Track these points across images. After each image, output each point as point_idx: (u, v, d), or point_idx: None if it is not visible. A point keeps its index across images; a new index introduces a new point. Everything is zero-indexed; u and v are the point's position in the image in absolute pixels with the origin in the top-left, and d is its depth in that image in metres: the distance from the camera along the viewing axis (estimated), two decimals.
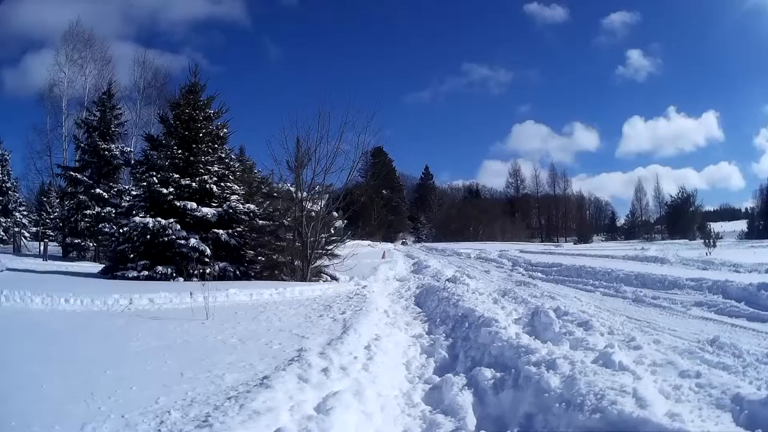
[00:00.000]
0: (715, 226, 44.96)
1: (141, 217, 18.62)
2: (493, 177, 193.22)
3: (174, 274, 17.87)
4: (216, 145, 21.53)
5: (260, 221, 20.70)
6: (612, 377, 5.49)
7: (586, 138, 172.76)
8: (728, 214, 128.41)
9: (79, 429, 4.19)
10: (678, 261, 23.87)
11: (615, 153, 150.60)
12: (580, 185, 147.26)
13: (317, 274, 20.71)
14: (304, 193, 21.08)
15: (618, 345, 7.25)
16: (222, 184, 20.63)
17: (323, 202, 22.19)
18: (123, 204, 25.24)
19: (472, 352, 8.17)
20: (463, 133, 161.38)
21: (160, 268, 17.91)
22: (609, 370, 5.83)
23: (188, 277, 17.44)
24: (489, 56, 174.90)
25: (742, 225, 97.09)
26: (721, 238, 40.10)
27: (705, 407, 5.00)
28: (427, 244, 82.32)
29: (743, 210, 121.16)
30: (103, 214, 31.56)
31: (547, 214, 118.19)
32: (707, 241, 33.04)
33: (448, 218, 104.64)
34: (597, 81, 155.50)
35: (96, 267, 22.94)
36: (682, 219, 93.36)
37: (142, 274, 17.80)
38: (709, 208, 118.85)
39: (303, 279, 19.55)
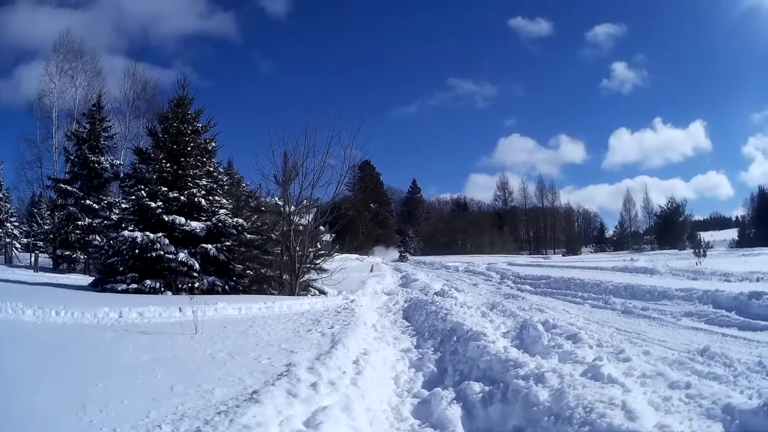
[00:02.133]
0: (706, 236, 45.01)
1: (130, 230, 18.60)
2: (481, 190, 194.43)
3: (163, 288, 17.87)
4: (204, 159, 21.57)
5: (248, 235, 20.65)
6: (601, 390, 5.46)
7: (573, 150, 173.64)
8: (718, 223, 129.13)
9: None
10: (668, 271, 23.86)
11: (602, 165, 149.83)
12: (568, 197, 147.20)
13: (305, 288, 20.68)
14: (292, 207, 21.12)
15: (607, 357, 7.29)
16: (210, 197, 20.68)
17: (311, 216, 22.27)
18: (112, 217, 25.22)
19: (460, 366, 8.13)
20: (450, 146, 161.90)
21: (148, 281, 17.91)
22: (598, 383, 5.82)
23: (177, 291, 17.44)
24: (474, 71, 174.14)
25: (732, 234, 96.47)
26: (712, 247, 39.77)
27: (695, 418, 5.01)
28: (415, 258, 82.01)
29: (734, 218, 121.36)
30: (93, 226, 31.43)
31: (536, 227, 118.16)
32: (697, 250, 32.89)
33: (436, 231, 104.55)
34: (582, 94, 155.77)
35: (86, 279, 22.91)
36: (672, 229, 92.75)
37: (131, 287, 17.76)
38: (699, 217, 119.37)
39: (291, 293, 19.55)
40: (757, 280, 17.45)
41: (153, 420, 4.83)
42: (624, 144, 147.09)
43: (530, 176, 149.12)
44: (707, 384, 6.00)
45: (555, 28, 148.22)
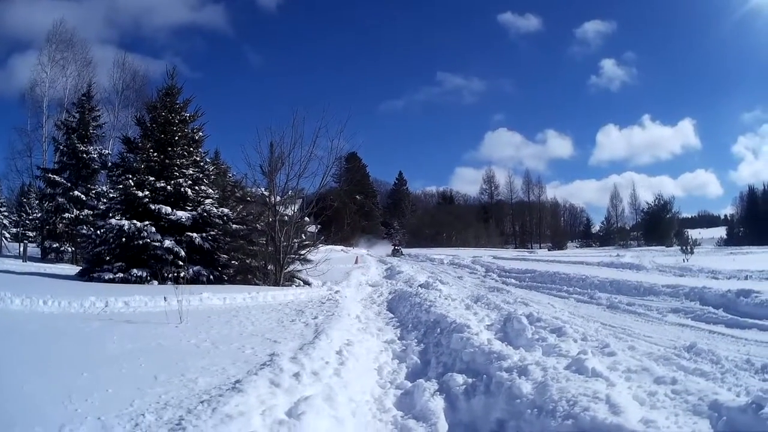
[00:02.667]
0: (693, 233, 45.57)
1: (117, 219, 18.57)
2: (467, 184, 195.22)
3: (148, 277, 17.88)
4: (191, 149, 21.57)
5: (234, 225, 20.68)
6: (585, 383, 5.47)
7: (560, 146, 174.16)
8: (707, 221, 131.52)
9: (58, 430, 4.28)
10: (654, 268, 23.77)
11: (589, 161, 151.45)
12: (555, 192, 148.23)
13: (290, 279, 20.71)
14: (277, 198, 21.14)
15: (591, 351, 7.24)
16: (196, 187, 20.66)
17: (296, 206, 22.34)
18: (100, 206, 25.14)
19: (443, 357, 8.17)
20: (437, 140, 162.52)
21: (135, 270, 17.91)
22: (582, 377, 5.83)
23: (163, 281, 17.43)
24: (463, 66, 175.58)
25: (721, 232, 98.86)
26: (699, 244, 40.14)
27: (681, 414, 4.99)
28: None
29: (722, 217, 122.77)
30: (81, 216, 31.29)
31: (521, 221, 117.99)
32: (684, 247, 33.24)
33: (422, 224, 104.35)
34: (570, 90, 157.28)
35: (74, 269, 22.85)
36: (659, 226, 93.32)
37: (117, 276, 17.78)
38: (686, 215, 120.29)
39: (276, 283, 19.57)
40: (746, 278, 17.42)
41: (137, 408, 4.87)
42: (612, 140, 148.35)
43: (517, 171, 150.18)
44: (694, 380, 5.95)
45: (544, 24, 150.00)
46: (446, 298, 14.15)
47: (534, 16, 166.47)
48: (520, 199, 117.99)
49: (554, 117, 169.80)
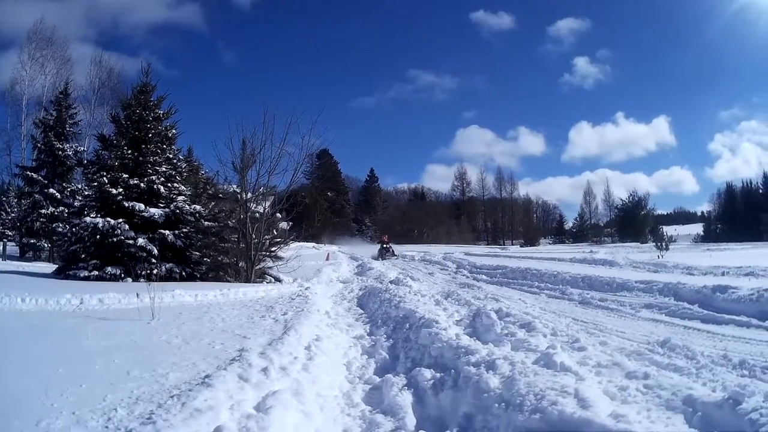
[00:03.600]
0: (669, 230, 45.32)
1: (92, 217, 18.60)
2: (438, 181, 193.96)
3: (122, 275, 17.86)
4: (164, 146, 21.50)
5: (206, 222, 20.69)
6: (553, 378, 5.51)
7: (532, 143, 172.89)
8: (683, 217, 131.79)
9: (35, 424, 4.42)
10: (628, 264, 23.75)
11: (561, 157, 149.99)
12: (527, 189, 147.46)
13: (261, 276, 20.74)
14: (249, 194, 21.15)
15: (561, 346, 7.26)
16: (169, 184, 20.66)
17: (268, 203, 22.39)
18: (75, 204, 25.11)
19: (412, 353, 8.22)
20: (408, 137, 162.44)
21: (109, 268, 17.93)
22: (550, 371, 5.87)
23: (136, 278, 17.38)
24: (435, 63, 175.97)
25: (697, 228, 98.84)
26: (675, 241, 40.08)
27: (654, 408, 4.88)
28: (361, 246, 75.22)
29: (699, 214, 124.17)
30: (56, 214, 31.16)
31: (494, 217, 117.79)
32: (659, 243, 33.04)
33: (393, 221, 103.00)
34: (543, 88, 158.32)
35: (50, 267, 22.71)
36: (634, 222, 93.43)
37: (92, 274, 17.79)
38: (662, 211, 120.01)
39: (247, 280, 19.60)
40: (723, 274, 17.36)
41: (110, 403, 5.00)
42: (585, 137, 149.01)
43: (489, 167, 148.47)
44: (667, 375, 5.93)
45: (517, 22, 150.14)
46: (416, 294, 14.27)
47: (507, 14, 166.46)
48: (492, 195, 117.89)
49: (526, 114, 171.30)
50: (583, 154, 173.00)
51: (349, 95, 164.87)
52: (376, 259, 42.07)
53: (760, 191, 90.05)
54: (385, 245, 46.46)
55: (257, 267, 20.52)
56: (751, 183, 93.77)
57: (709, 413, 4.58)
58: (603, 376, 5.99)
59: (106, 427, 4.47)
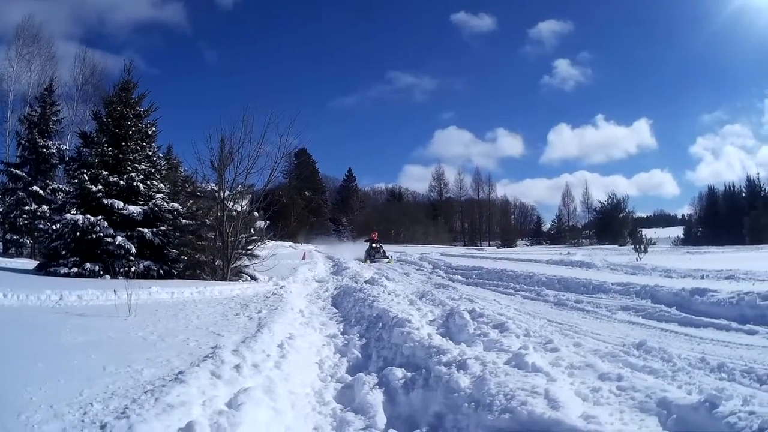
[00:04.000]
0: (649, 232, 45.59)
1: (72, 214, 18.62)
2: (415, 181, 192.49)
3: (101, 272, 17.91)
4: (144, 143, 21.60)
5: (183, 220, 20.72)
6: (524, 378, 5.53)
7: (510, 144, 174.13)
8: (663, 220, 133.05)
9: (16, 417, 4.53)
10: (605, 266, 23.36)
11: (540, 159, 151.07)
12: (505, 190, 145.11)
13: (237, 274, 20.76)
14: (226, 193, 21.15)
15: (533, 347, 7.27)
16: (148, 182, 20.70)
17: (245, 202, 22.44)
18: (57, 201, 25.08)
19: (384, 352, 8.24)
20: (386, 138, 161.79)
21: (88, 265, 17.97)
22: (521, 372, 5.89)
23: (114, 275, 17.39)
24: (414, 64, 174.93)
25: (678, 231, 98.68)
26: (654, 243, 40.01)
27: (627, 411, 4.90)
28: (342, 246, 72.23)
29: (679, 217, 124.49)
30: (39, 211, 30.96)
31: (471, 218, 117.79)
32: (638, 246, 33.27)
33: (370, 220, 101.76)
34: (523, 90, 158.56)
35: (33, 263, 22.63)
36: (612, 225, 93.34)
37: (72, 270, 17.80)
38: (641, 214, 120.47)
39: (223, 278, 19.67)
40: (702, 277, 17.11)
41: (86, 398, 5.09)
42: (564, 139, 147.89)
43: (466, 168, 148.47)
44: (641, 377, 5.92)
45: (498, 24, 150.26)
46: (390, 294, 14.27)
47: (488, 15, 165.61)
48: (470, 196, 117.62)
49: (505, 116, 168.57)
50: (561, 156, 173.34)
51: (329, 95, 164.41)
52: (364, 261, 36.17)
53: (744, 195, 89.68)
54: (374, 245, 39.22)
55: (233, 265, 20.53)
56: (734, 186, 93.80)
57: (684, 416, 4.60)
58: (575, 377, 6.02)
59: (82, 420, 4.55)
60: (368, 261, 36.47)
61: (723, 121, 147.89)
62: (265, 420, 5.15)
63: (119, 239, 18.53)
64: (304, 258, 37.94)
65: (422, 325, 9.42)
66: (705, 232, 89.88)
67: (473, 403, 5.14)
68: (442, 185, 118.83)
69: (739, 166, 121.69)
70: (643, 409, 4.92)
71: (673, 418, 4.61)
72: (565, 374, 6.11)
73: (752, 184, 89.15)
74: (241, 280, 20.18)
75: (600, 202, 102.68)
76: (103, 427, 4.40)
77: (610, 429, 4.29)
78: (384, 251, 38.88)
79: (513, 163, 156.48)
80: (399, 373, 6.74)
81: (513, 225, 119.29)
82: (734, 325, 9.33)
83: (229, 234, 20.26)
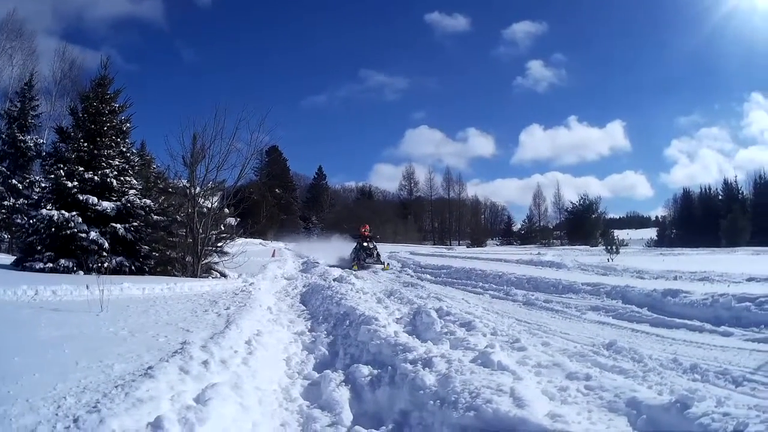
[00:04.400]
0: (621, 234, 45.32)
1: (48, 209, 18.61)
2: (386, 180, 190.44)
3: (75, 268, 17.98)
4: (119, 139, 21.63)
5: (155, 216, 20.76)
6: (490, 376, 5.54)
7: (481, 144, 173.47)
8: (636, 222, 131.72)
9: None
10: (576, 266, 23.15)
11: (511, 160, 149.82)
12: (475, 190, 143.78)
13: (207, 271, 20.82)
14: (197, 189, 21.23)
15: (500, 345, 7.33)
16: (122, 178, 20.73)
17: (216, 198, 22.46)
18: (33, 196, 25.03)
19: (351, 349, 8.31)
20: (358, 136, 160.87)
21: (63, 260, 18.04)
22: (487, 370, 5.89)
23: (88, 271, 17.53)
24: (387, 64, 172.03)
25: (651, 233, 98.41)
26: (627, 244, 39.15)
27: (595, 410, 4.93)
28: (316, 245, 68.52)
29: (653, 218, 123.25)
30: (17, 206, 30.94)
31: (441, 218, 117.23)
32: (610, 247, 32.60)
33: (340, 219, 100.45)
34: (495, 90, 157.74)
35: (10, 258, 22.60)
36: (584, 225, 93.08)
37: (47, 266, 17.88)
38: (614, 215, 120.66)
39: (194, 275, 19.78)
40: (675, 278, 16.81)
41: (59, 392, 5.22)
42: (536, 140, 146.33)
43: (437, 168, 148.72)
44: (610, 377, 5.93)
45: (472, 24, 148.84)
46: (358, 292, 14.41)
47: (462, 16, 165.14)
48: (440, 196, 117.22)
49: (477, 116, 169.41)
50: (533, 156, 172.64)
51: (302, 93, 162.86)
52: (351, 266, 28.02)
53: (720, 197, 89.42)
54: (365, 243, 30.20)
55: (204, 262, 20.63)
56: (710, 189, 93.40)
57: (654, 416, 4.58)
58: (543, 376, 6.07)
59: (56, 414, 4.69)
60: (356, 266, 27.59)
61: (699, 124, 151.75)
62: (233, 416, 5.21)
63: (93, 235, 18.58)
64: (273, 255, 37.82)
65: (389, 323, 9.49)
66: (679, 234, 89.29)
67: (438, 401, 5.16)
68: (412, 184, 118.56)
69: (715, 168, 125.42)
70: (612, 408, 4.96)
71: (643, 419, 4.63)
72: (532, 373, 6.17)
73: (729, 187, 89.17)
74: (211, 277, 20.28)
75: (572, 202, 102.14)
76: (75, 420, 4.52)
77: (577, 428, 4.31)
78: (378, 254, 29.43)
79: (484, 163, 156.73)
80: (365, 370, 6.79)
81: (483, 225, 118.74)
82: (708, 326, 9.26)
83: (200, 230, 20.37)
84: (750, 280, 14.59)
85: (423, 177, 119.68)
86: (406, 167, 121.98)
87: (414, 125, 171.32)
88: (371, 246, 29.87)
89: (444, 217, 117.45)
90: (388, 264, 28.53)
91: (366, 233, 31.29)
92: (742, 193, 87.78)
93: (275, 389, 6.69)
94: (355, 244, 31.18)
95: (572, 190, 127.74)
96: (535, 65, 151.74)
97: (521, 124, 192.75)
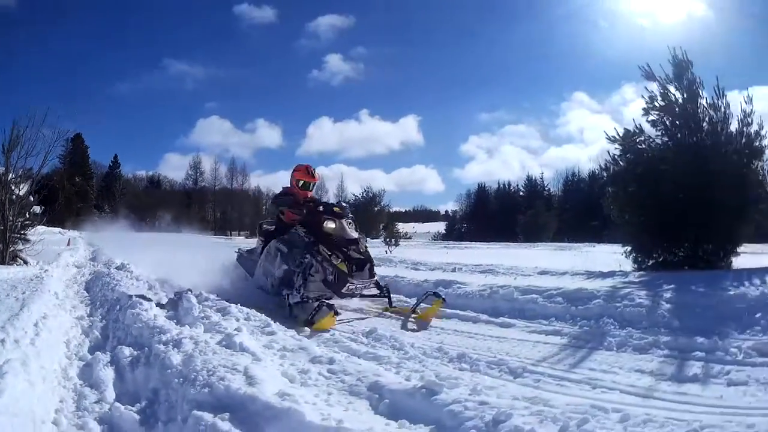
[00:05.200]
0: (407, 227, 44.73)
1: None
2: (175, 170, 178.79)
3: None
4: None
5: None
6: (230, 357, 5.65)
7: (269, 135, 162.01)
8: (424, 216, 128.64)
9: None
10: None
11: (297, 152, 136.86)
12: (258, 181, 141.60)
13: (14, 258, 21.18)
14: (11, 176, 21.20)
15: (251, 330, 7.25)
16: None
17: (24, 186, 22.56)
18: None
19: (119, 332, 7.98)
20: (154, 125, 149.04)
21: None
22: (229, 351, 5.98)
23: None
24: (190, 53, 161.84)
25: (440, 227, 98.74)
26: (410, 237, 39.74)
27: (336, 393, 4.85)
28: (106, 235, 60.14)
29: (443, 212, 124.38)
30: None
31: (223, 208, 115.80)
32: (389, 239, 32.86)
33: (131, 207, 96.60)
34: (289, 82, 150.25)
35: None
36: (367, 218, 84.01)
37: None
38: (400, 208, 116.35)
39: (2, 262, 19.97)
40: (454, 270, 15.35)
41: None
42: (324, 132, 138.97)
43: (223, 158, 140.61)
44: (356, 362, 5.79)
45: (279, 16, 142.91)
46: (133, 279, 14.50)
47: (270, 7, 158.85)
48: (224, 186, 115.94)
49: (268, 107, 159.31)
50: (320, 148, 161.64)
51: (109, 81, 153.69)
52: (302, 312, 9.13)
53: (521, 193, 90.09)
54: (338, 229, 9.35)
55: (11, 249, 21.13)
56: (509, 184, 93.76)
57: (397, 401, 4.50)
58: (286, 359, 5.99)
59: None
60: (327, 318, 8.30)
61: (504, 121, 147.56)
62: (22, 390, 4.99)
63: None
64: (69, 244, 37.60)
65: (151, 307, 9.34)
66: (471, 228, 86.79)
67: (182, 379, 5.13)
68: (198, 174, 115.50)
69: (518, 165, 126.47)
70: (353, 392, 4.84)
71: (386, 403, 4.52)
72: (276, 356, 6.08)
73: (533, 183, 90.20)
74: (16, 264, 20.68)
75: (354, 195, 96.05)
76: None
77: (309, 408, 4.16)
78: (372, 264, 9.54)
79: (269, 154, 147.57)
80: (127, 351, 6.72)
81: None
82: (484, 317, 8.48)
83: (10, 218, 20.68)
84: (543, 273, 12.80)
85: (209, 167, 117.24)
86: (193, 157, 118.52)
87: (206, 115, 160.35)
88: (356, 236, 9.81)
89: (226, 208, 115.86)
90: (374, 278, 10.09)
91: (342, 224, 9.50)
92: (548, 189, 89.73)
93: (56, 369, 6.34)
94: (288, 236, 10.06)
95: (356, 183, 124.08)
96: (334, 58, 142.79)
97: (312, 117, 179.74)
